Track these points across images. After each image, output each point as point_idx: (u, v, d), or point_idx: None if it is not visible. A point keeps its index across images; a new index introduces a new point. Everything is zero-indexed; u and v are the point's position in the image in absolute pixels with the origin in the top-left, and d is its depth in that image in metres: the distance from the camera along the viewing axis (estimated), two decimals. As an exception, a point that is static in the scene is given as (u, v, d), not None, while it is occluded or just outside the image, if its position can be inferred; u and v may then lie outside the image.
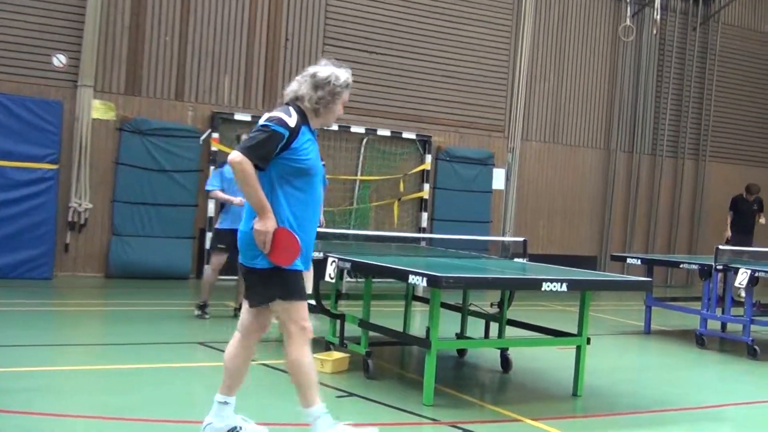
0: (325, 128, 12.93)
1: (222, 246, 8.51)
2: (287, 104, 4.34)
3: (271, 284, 4.23)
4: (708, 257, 9.36)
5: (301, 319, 4.25)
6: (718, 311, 8.98)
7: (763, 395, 6.74)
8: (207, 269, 8.90)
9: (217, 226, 8.93)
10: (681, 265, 9.98)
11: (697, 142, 16.92)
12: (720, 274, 8.82)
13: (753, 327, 8.54)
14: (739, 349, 8.64)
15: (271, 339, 7.71)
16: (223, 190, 8.57)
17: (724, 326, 9.35)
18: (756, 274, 8.25)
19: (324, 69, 4.36)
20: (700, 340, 8.86)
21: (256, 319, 4.41)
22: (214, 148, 12.26)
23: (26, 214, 10.96)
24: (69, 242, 11.63)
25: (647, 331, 9.59)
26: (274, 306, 4.26)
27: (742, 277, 8.28)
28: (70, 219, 11.55)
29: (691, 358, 8.35)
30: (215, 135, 12.30)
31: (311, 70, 4.38)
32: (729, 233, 13.28)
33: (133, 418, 4.95)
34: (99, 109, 11.72)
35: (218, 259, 8.61)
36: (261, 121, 4.26)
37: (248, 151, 4.08)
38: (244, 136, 5.28)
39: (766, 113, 17.83)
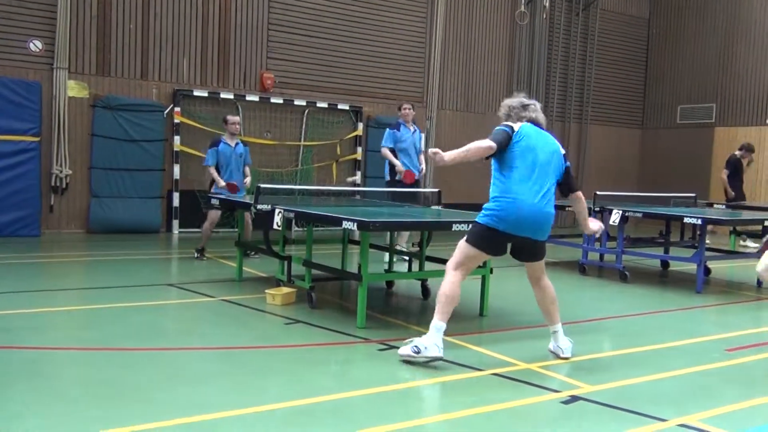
0: (272, 101, 12.77)
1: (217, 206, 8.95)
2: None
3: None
4: (588, 201, 9.56)
5: None
6: (597, 244, 9.19)
7: (632, 310, 6.98)
8: (206, 223, 9.15)
9: (214, 189, 9.07)
10: (567, 209, 10.18)
11: (581, 109, 17.20)
12: (597, 215, 9.02)
13: (624, 257, 8.81)
14: (613, 275, 8.92)
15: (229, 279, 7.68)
16: (217, 166, 9.02)
17: (601, 257, 9.56)
18: (626, 214, 8.49)
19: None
20: (582, 268, 9.11)
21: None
22: (176, 121, 11.99)
23: (14, 180, 10.57)
24: (53, 204, 11.28)
25: (541, 263, 9.79)
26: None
27: (615, 216, 8.49)
28: (52, 184, 11.20)
29: (575, 282, 8.58)
30: (177, 109, 12.01)
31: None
32: (731, 192, 12.57)
33: (107, 347, 4.88)
34: (74, 89, 11.30)
35: (215, 215, 9.08)
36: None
37: None
38: None
39: (635, 84, 18.20)
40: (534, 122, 4.94)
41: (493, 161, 4.85)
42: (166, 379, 4.24)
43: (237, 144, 9.22)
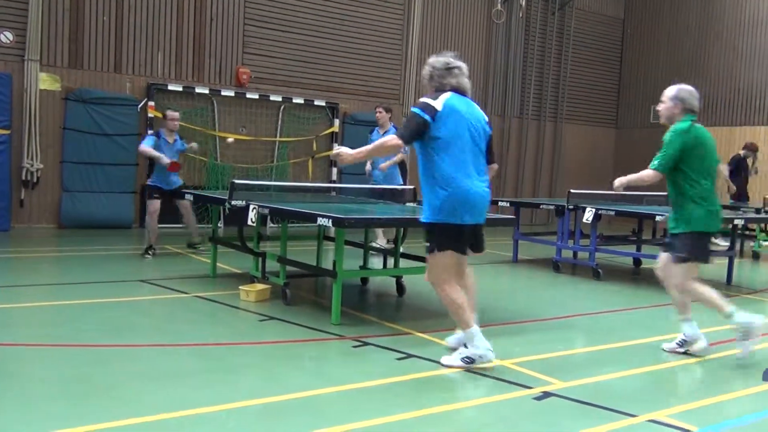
0: (248, 97, 12.72)
1: (156, 195, 8.80)
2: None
3: None
4: (562, 200, 9.64)
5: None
6: (570, 242, 9.27)
7: (605, 307, 7.05)
8: (147, 217, 8.88)
9: (149, 182, 9.01)
10: (541, 206, 10.28)
11: (556, 107, 17.31)
12: (571, 213, 9.08)
13: (597, 254, 8.89)
14: (586, 272, 8.99)
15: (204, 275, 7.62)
16: (152, 160, 8.90)
17: (575, 254, 9.61)
18: (599, 212, 8.56)
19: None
20: (556, 266, 9.17)
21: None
22: (150, 115, 11.85)
23: (-18, 174, 10.42)
24: (24, 198, 11.11)
25: (515, 260, 9.86)
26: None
27: (588, 215, 8.55)
28: (23, 178, 11.03)
29: (549, 280, 8.63)
30: (151, 103, 11.88)
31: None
32: (733, 186, 12.53)
33: (78, 344, 4.81)
34: (45, 81, 11.13)
35: (155, 206, 8.79)
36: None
37: None
38: None
39: (609, 83, 18.36)
40: (458, 90, 4.55)
41: (420, 143, 4.47)
42: (137, 376, 4.19)
43: (176, 141, 8.97)
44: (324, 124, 13.76)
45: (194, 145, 9.29)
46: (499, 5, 15.49)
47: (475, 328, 4.54)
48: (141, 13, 11.88)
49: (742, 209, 11.12)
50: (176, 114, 9.11)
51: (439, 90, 4.54)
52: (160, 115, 11.86)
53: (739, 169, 12.78)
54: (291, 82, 13.34)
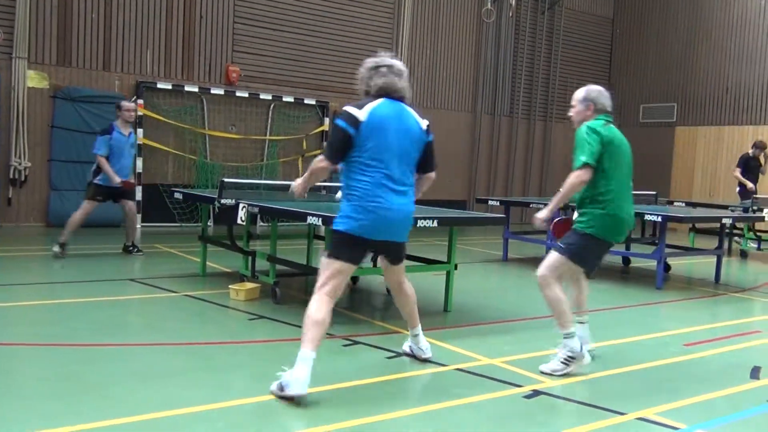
0: (237, 95, 12.69)
1: (100, 198, 8.52)
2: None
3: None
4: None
5: None
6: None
7: (594, 305, 7.03)
8: (79, 212, 8.53)
9: (97, 181, 8.52)
10: (531, 205, 10.31)
11: (545, 107, 17.36)
12: (562, 212, 9.08)
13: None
14: (576, 270, 9.01)
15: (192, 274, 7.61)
16: (108, 157, 8.37)
17: (564, 253, 9.61)
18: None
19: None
20: (546, 264, 9.18)
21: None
22: (139, 113, 11.79)
23: (-31, 172, 10.35)
24: (11, 196, 11.04)
25: (505, 259, 9.88)
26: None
27: (577, 214, 8.57)
28: (11, 176, 10.97)
29: (539, 278, 8.65)
30: (140, 101, 11.82)
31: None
32: (750, 183, 12.48)
33: (67, 343, 4.79)
34: (33, 79, 11.07)
35: (91, 206, 8.51)
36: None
37: None
38: None
39: (599, 83, 18.39)
40: (387, 92, 4.08)
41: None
42: (127, 375, 4.18)
43: (131, 133, 8.73)
44: (314, 122, 13.75)
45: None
46: (489, 4, 15.51)
47: (311, 355, 3.85)
48: (130, 11, 11.83)
49: (730, 208, 11.21)
50: (132, 105, 8.85)
51: (368, 93, 4.13)
52: (149, 113, 11.85)
53: (748, 167, 12.79)
54: (281, 80, 13.32)
